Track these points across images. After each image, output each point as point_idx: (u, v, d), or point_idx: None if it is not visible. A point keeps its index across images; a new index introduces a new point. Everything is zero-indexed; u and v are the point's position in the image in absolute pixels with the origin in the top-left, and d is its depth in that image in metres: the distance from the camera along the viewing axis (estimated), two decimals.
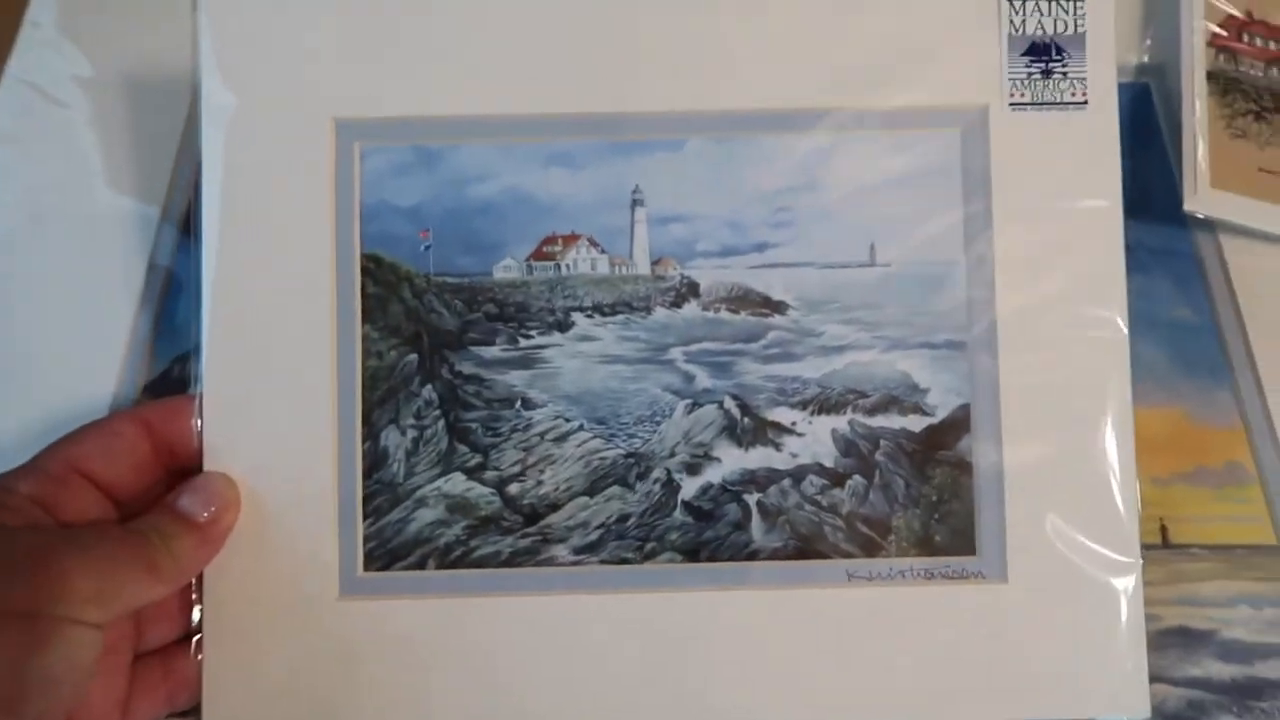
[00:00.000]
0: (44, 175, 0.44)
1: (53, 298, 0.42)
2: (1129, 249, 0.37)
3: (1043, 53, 0.38)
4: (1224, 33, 0.45)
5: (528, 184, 0.38)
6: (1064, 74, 0.37)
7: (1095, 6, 0.38)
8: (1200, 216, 0.43)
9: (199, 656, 0.36)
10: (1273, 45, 0.46)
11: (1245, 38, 0.46)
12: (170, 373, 0.41)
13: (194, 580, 0.36)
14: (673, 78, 0.37)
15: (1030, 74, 0.37)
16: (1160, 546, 0.39)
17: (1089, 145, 0.37)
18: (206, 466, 0.36)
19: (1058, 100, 0.37)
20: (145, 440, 0.36)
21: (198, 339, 0.37)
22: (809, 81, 0.38)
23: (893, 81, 0.38)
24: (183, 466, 0.36)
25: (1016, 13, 0.38)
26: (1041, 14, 0.38)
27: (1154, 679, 0.36)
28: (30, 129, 0.44)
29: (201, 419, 0.36)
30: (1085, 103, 0.37)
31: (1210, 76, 0.44)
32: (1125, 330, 0.37)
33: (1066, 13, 0.38)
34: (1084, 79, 0.38)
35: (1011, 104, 0.37)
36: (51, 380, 0.41)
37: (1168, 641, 0.38)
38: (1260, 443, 0.41)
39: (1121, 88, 0.42)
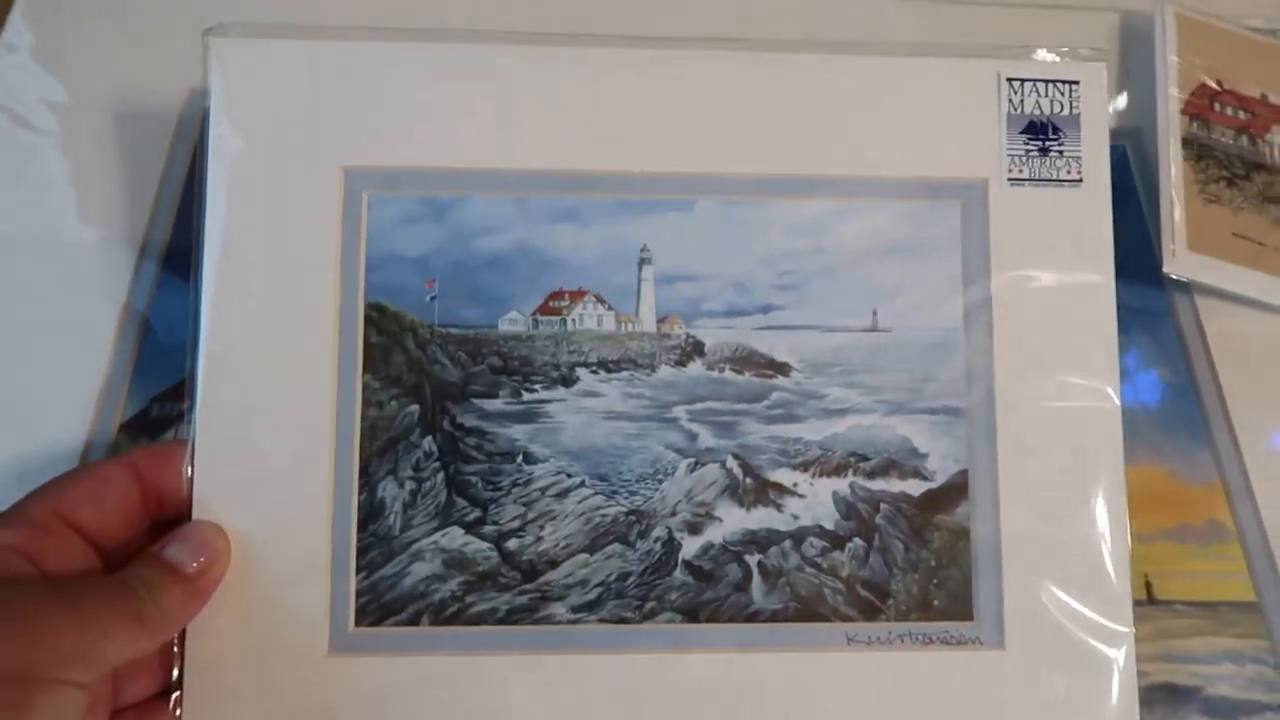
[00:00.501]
0: (14, 203, 0.43)
1: (24, 331, 0.41)
2: None
3: (1040, 131, 0.39)
4: (1197, 100, 0.47)
5: (536, 239, 0.38)
6: (1060, 152, 0.39)
7: (1089, 89, 0.39)
8: (1178, 279, 0.44)
9: (178, 713, 0.34)
10: (1242, 114, 0.48)
11: (1217, 106, 0.48)
12: (149, 412, 0.40)
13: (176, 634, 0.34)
14: (684, 140, 0.38)
15: (1028, 151, 0.39)
16: (1146, 602, 0.40)
17: (1083, 221, 0.39)
18: (195, 515, 0.35)
19: (1054, 177, 0.39)
20: (134, 487, 0.35)
21: (192, 382, 0.36)
22: (817, 149, 0.38)
23: (898, 153, 0.39)
24: (170, 515, 0.35)
25: (1015, 93, 0.39)
26: (1039, 94, 0.39)
27: None
28: (2, 155, 0.43)
29: (192, 466, 0.35)
30: (1080, 180, 0.39)
31: (1184, 143, 0.46)
32: (1118, 401, 0.37)
33: (1062, 94, 0.39)
34: (1079, 158, 0.39)
35: (1010, 179, 0.39)
36: (23, 418, 0.40)
37: (1154, 698, 0.38)
38: (1239, 501, 0.42)
39: None
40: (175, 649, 0.34)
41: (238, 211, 0.37)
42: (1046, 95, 0.39)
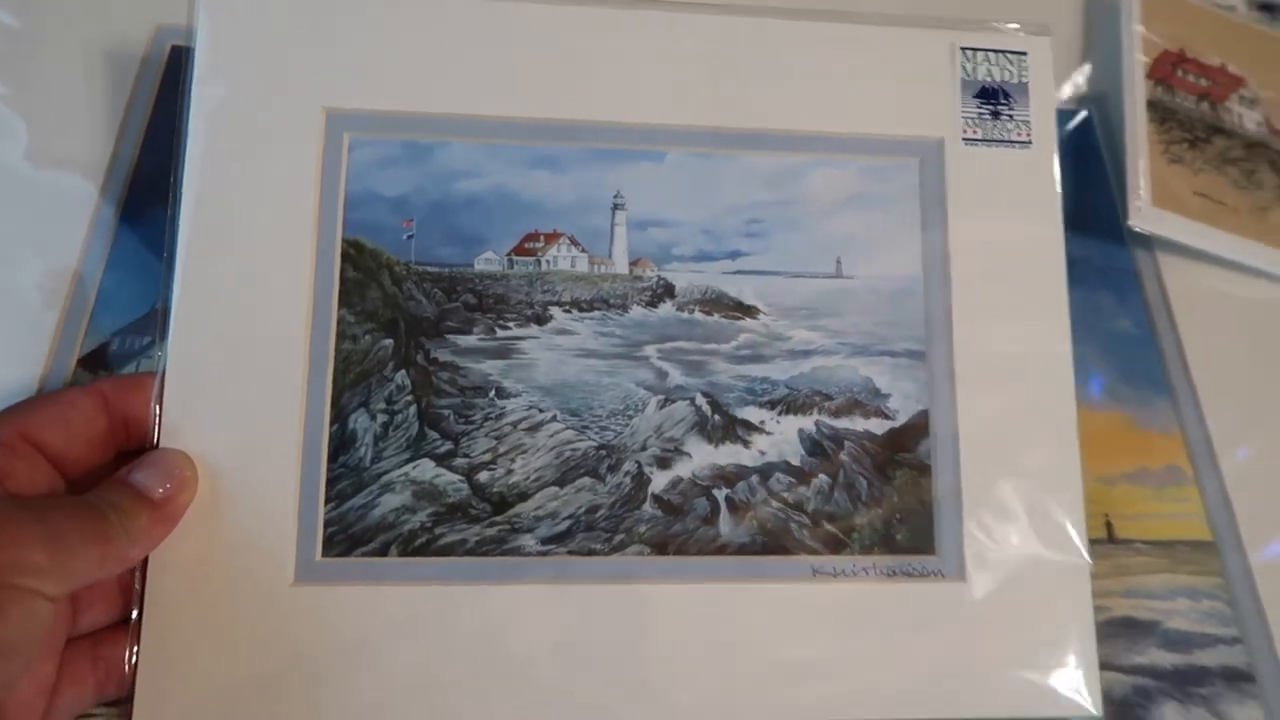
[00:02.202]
0: None
1: None
2: (1074, 264, 0.40)
3: (992, 96, 0.41)
4: (1160, 66, 0.50)
5: (513, 183, 0.39)
6: (1010, 116, 0.41)
7: (1036, 60, 0.42)
8: (1141, 232, 0.46)
9: (135, 645, 0.33)
10: (1204, 81, 0.51)
11: (1179, 73, 0.51)
12: (108, 346, 0.40)
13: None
14: (658, 93, 0.40)
15: (981, 114, 0.41)
16: (1106, 541, 0.41)
17: (1032, 179, 0.41)
18: (163, 444, 0.35)
19: (1005, 138, 0.41)
20: (101, 414, 0.34)
21: (165, 311, 0.36)
22: (785, 107, 0.40)
23: (861, 113, 0.41)
24: (137, 445, 0.35)
25: (969, 60, 0.41)
26: (990, 63, 0.42)
27: (1103, 666, 0.37)
28: None
29: (161, 394, 0.35)
30: (1029, 142, 0.41)
31: (1149, 105, 0.49)
32: (1068, 345, 0.39)
33: (1012, 64, 0.42)
34: (1028, 121, 0.41)
35: (965, 139, 0.41)
36: None
37: (1115, 631, 0.39)
38: (1196, 447, 0.44)
39: (1064, 114, 0.47)
40: (136, 579, 0.34)
41: (218, 150, 0.37)
42: (998, 64, 0.42)
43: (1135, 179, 0.47)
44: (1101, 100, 0.51)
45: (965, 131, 0.41)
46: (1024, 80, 0.42)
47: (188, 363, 0.36)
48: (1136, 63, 0.50)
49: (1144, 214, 0.46)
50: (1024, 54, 0.42)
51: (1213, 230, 0.47)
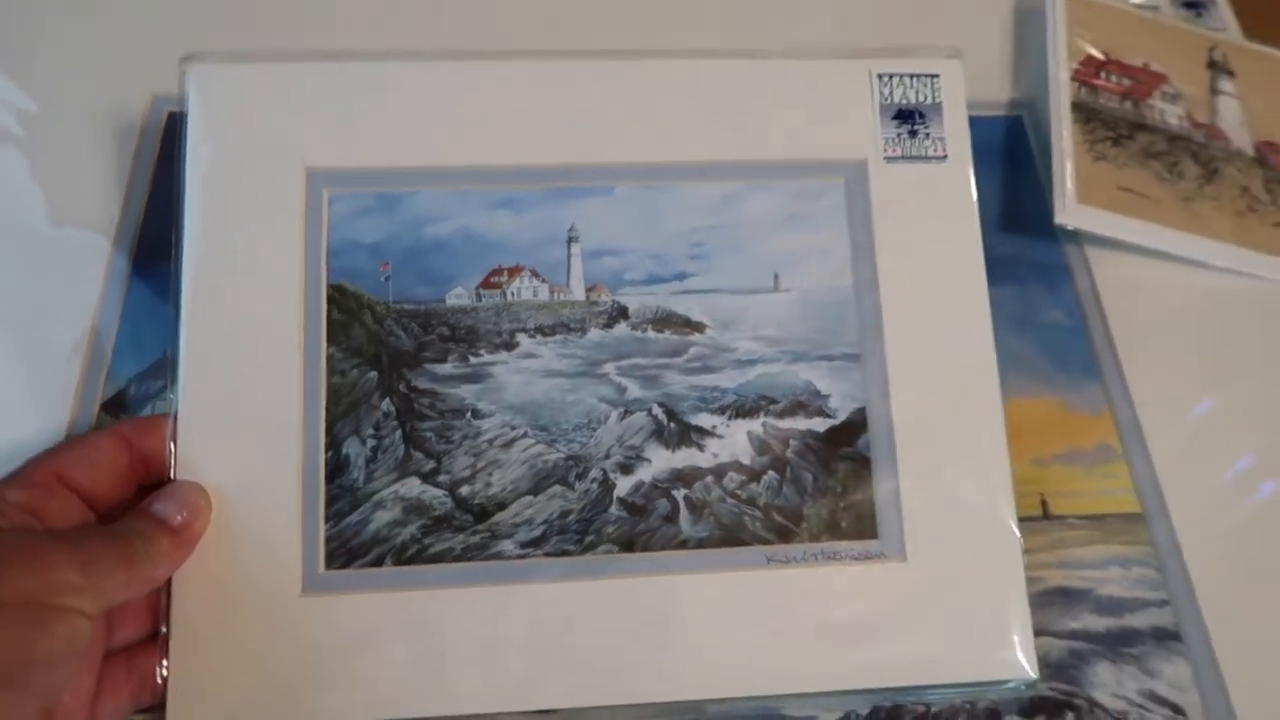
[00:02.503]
0: None
1: (7, 325, 0.45)
2: (1008, 262, 0.44)
3: (908, 118, 0.45)
4: (1085, 70, 0.54)
5: (477, 224, 0.43)
6: (927, 134, 0.45)
7: (948, 82, 0.46)
8: (1069, 229, 0.50)
9: (165, 657, 0.38)
10: (1126, 81, 0.55)
11: (1103, 75, 0.54)
12: (126, 392, 0.44)
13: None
14: (605, 134, 0.44)
15: (899, 134, 0.45)
16: (1041, 518, 0.45)
17: (950, 190, 0.45)
18: (178, 476, 0.39)
19: (923, 155, 0.45)
20: (123, 453, 0.39)
21: (174, 358, 0.40)
22: (718, 139, 0.44)
23: (788, 140, 0.45)
24: (156, 478, 0.39)
25: (885, 85, 0.45)
26: (906, 87, 0.46)
27: (1039, 633, 0.41)
28: None
29: (175, 432, 0.40)
30: (945, 157, 0.45)
31: (1074, 107, 0.52)
32: (991, 340, 0.43)
33: (926, 86, 0.46)
34: (943, 139, 0.45)
35: (886, 158, 0.45)
36: (10, 398, 0.44)
37: (1051, 600, 0.43)
38: (1125, 426, 0.47)
39: (997, 120, 0.52)
40: (162, 597, 0.38)
41: (213, 209, 0.42)
42: (913, 87, 0.46)
43: (1061, 178, 0.50)
44: (1032, 106, 0.55)
45: (886, 151, 0.45)
46: (938, 100, 0.46)
47: (197, 403, 0.40)
48: (1062, 67, 0.53)
49: (1069, 211, 0.50)
50: (936, 76, 0.46)
51: (1136, 222, 0.50)
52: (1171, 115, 0.55)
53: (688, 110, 0.45)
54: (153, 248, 0.47)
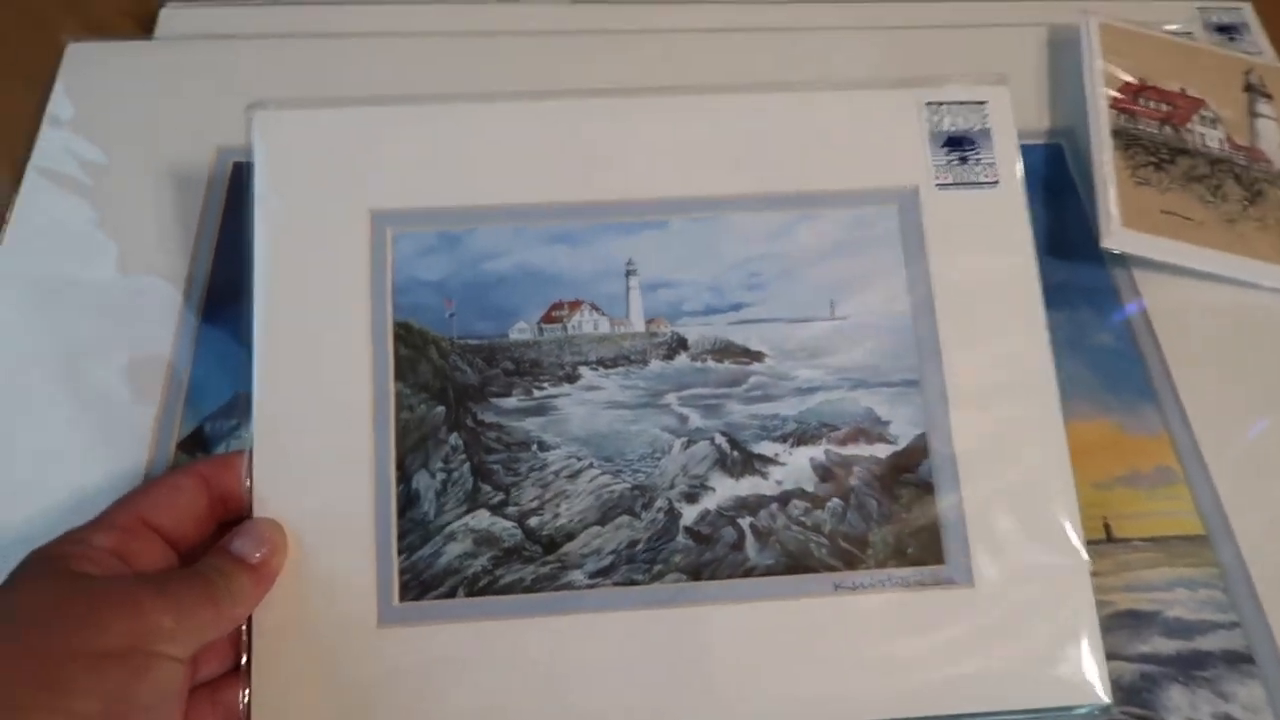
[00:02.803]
0: (62, 255, 0.49)
1: (86, 370, 0.46)
2: (1056, 287, 0.44)
3: (958, 144, 0.46)
4: (1122, 97, 0.54)
5: (536, 260, 0.44)
6: (977, 160, 0.46)
7: (996, 108, 0.47)
8: (1115, 253, 0.50)
9: (247, 689, 0.38)
10: (1165, 107, 0.55)
11: (1141, 101, 0.55)
12: (201, 430, 0.45)
13: None
14: (660, 169, 0.45)
15: (950, 161, 0.46)
16: (1105, 541, 0.45)
17: (1003, 215, 0.45)
18: (255, 513, 0.40)
19: (975, 181, 0.45)
20: (203, 493, 0.40)
21: (249, 398, 0.41)
22: (770, 171, 0.45)
23: (839, 169, 0.45)
24: (234, 515, 0.40)
25: (934, 113, 0.46)
26: (954, 114, 0.46)
27: (1110, 657, 0.41)
28: (52, 213, 0.50)
29: (251, 470, 0.40)
30: (996, 182, 0.46)
31: (1114, 133, 0.53)
32: (1050, 362, 0.43)
33: (974, 113, 0.46)
34: (993, 163, 0.46)
35: (937, 184, 0.45)
36: (88, 442, 0.45)
37: (1119, 624, 0.43)
38: (1183, 447, 0.47)
39: (1037, 149, 0.52)
40: (243, 631, 0.39)
41: (282, 253, 0.43)
42: (961, 114, 0.46)
43: (1105, 203, 0.51)
44: (1071, 134, 0.56)
45: (937, 178, 0.45)
46: (986, 126, 0.46)
47: (272, 440, 0.41)
48: (1100, 95, 0.54)
49: (1115, 235, 0.50)
50: (984, 103, 0.46)
51: (1181, 245, 0.51)
52: (1212, 139, 0.55)
53: (739, 144, 0.45)
54: (221, 294, 0.48)
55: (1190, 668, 0.42)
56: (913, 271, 0.45)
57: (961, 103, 0.46)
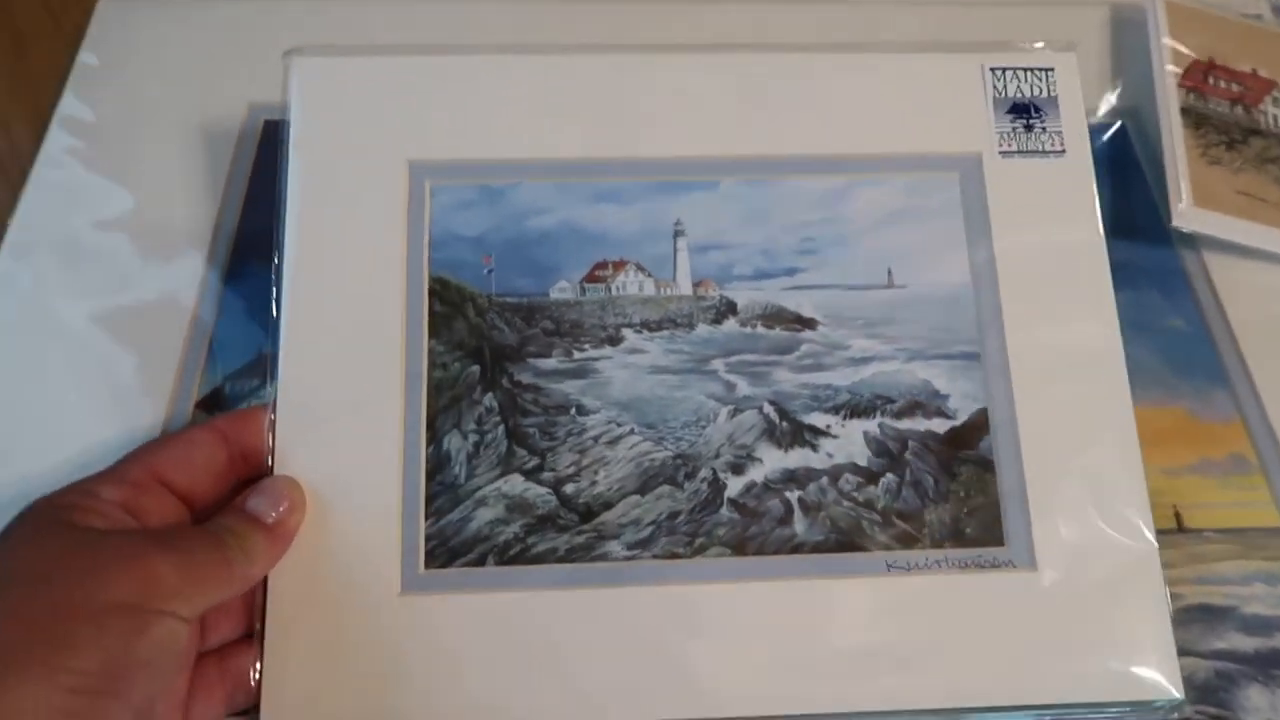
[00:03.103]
0: (90, 213, 0.47)
1: (106, 327, 0.45)
2: (1121, 268, 0.42)
3: (1023, 111, 0.44)
4: (1191, 76, 0.52)
5: (580, 217, 0.42)
6: (1043, 128, 0.44)
7: (1063, 75, 0.44)
8: (1185, 233, 0.48)
9: (259, 657, 0.36)
10: (1236, 87, 0.53)
11: (1211, 80, 0.53)
12: (221, 390, 0.43)
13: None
14: (710, 127, 0.43)
15: (1014, 128, 0.44)
16: (1176, 531, 0.42)
17: (1070, 185, 0.43)
18: (276, 471, 0.38)
19: (1040, 149, 0.43)
20: (221, 449, 0.38)
21: (274, 352, 0.39)
22: (829, 133, 0.43)
23: (899, 132, 0.43)
24: (254, 474, 0.38)
25: (999, 79, 0.44)
26: (1020, 80, 0.44)
27: (1182, 653, 0.38)
28: (76, 168, 0.48)
29: (273, 426, 0.38)
30: (1063, 151, 0.43)
31: (1183, 112, 0.51)
32: (1118, 338, 0.41)
33: (1040, 80, 0.44)
34: (1060, 133, 0.44)
35: (1001, 152, 0.43)
36: (106, 397, 0.43)
37: (1191, 618, 0.40)
38: (1259, 435, 0.45)
39: (1101, 128, 0.50)
40: (257, 596, 0.37)
41: (314, 201, 0.41)
42: (1026, 81, 0.44)
43: (1176, 181, 0.49)
44: (1135, 113, 0.53)
45: (1001, 145, 0.43)
46: (1053, 94, 0.44)
47: (296, 396, 0.39)
48: (1168, 73, 0.52)
49: (1186, 214, 0.48)
50: (1051, 69, 0.44)
51: (1257, 226, 0.48)
52: None
53: (795, 104, 0.43)
54: (247, 253, 0.46)
55: (1270, 666, 0.39)
56: (975, 242, 0.42)
57: (1027, 69, 0.44)
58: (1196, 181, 0.49)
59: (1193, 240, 0.49)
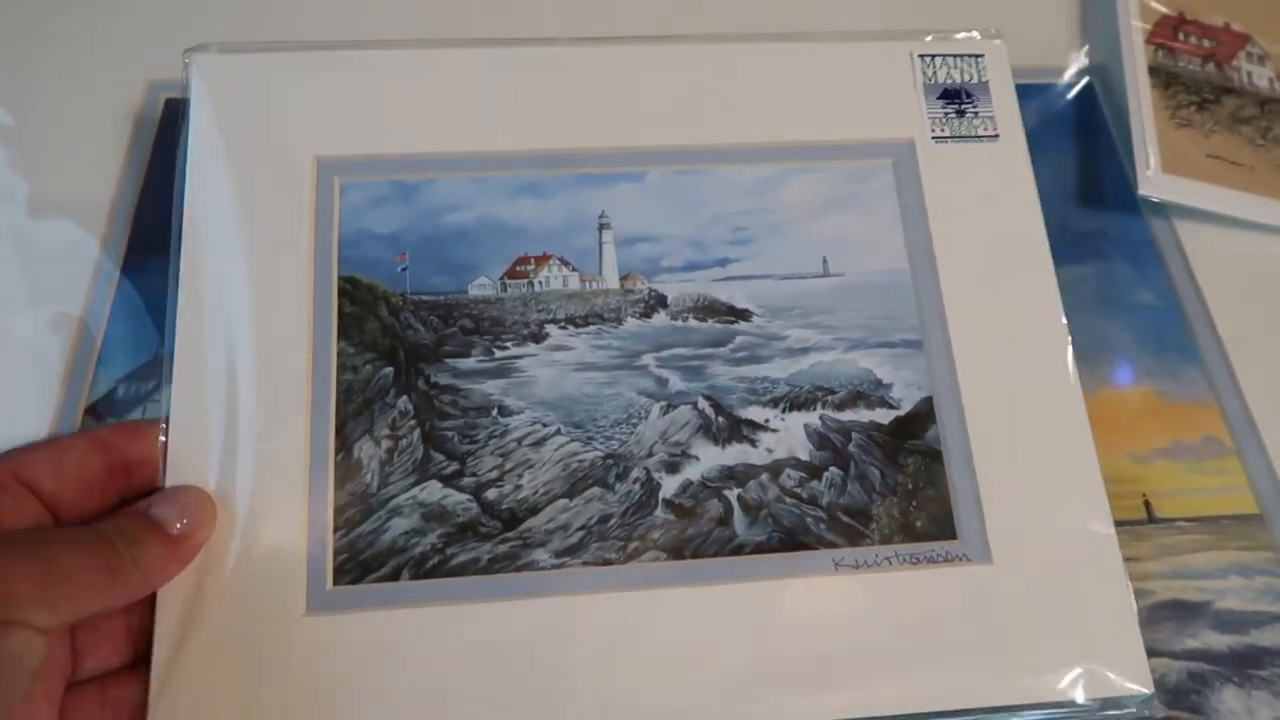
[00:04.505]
0: None
1: None
2: (1089, 238, 0.40)
3: (954, 97, 0.43)
4: (1160, 31, 0.50)
5: (500, 212, 0.40)
6: (975, 113, 0.43)
7: (993, 61, 0.44)
8: (1154, 201, 0.46)
9: (145, 686, 0.32)
10: (1207, 43, 0.51)
11: (1181, 36, 0.50)
12: (114, 393, 0.40)
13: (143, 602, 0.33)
14: (631, 119, 0.41)
15: (946, 113, 0.43)
16: (1146, 521, 0.40)
17: (1005, 170, 0.42)
18: (169, 483, 0.35)
19: (974, 134, 0.42)
20: (97, 458, 0.34)
21: (169, 357, 0.36)
22: (756, 122, 0.42)
23: (830, 120, 0.42)
24: (141, 489, 0.35)
25: (928, 65, 0.43)
26: (950, 67, 0.43)
27: (1152, 653, 0.36)
28: None
29: (166, 435, 0.35)
30: (996, 136, 0.42)
31: (1151, 71, 0.48)
32: (1063, 322, 0.39)
33: (971, 66, 0.44)
34: (992, 117, 0.43)
35: (934, 137, 0.42)
36: None
37: (1163, 615, 0.38)
38: (1234, 415, 0.42)
39: (1065, 86, 0.47)
40: (143, 620, 0.33)
41: (214, 198, 0.38)
42: (956, 67, 0.43)
43: (1143, 146, 0.46)
44: (1103, 71, 0.51)
45: (933, 130, 0.42)
46: (984, 79, 0.43)
47: (192, 403, 0.36)
48: (1134, 29, 0.49)
49: (1154, 181, 0.45)
50: (980, 55, 0.44)
51: (1230, 192, 0.46)
52: (1260, 77, 0.50)
53: (724, 94, 0.42)
54: (145, 243, 0.43)
55: (1246, 666, 0.37)
56: (911, 227, 0.41)
57: (956, 55, 0.44)
58: (1165, 145, 0.46)
59: (1163, 208, 0.47)
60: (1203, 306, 0.45)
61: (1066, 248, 0.42)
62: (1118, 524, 0.37)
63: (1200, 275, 0.45)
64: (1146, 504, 0.40)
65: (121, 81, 0.47)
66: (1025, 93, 0.43)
